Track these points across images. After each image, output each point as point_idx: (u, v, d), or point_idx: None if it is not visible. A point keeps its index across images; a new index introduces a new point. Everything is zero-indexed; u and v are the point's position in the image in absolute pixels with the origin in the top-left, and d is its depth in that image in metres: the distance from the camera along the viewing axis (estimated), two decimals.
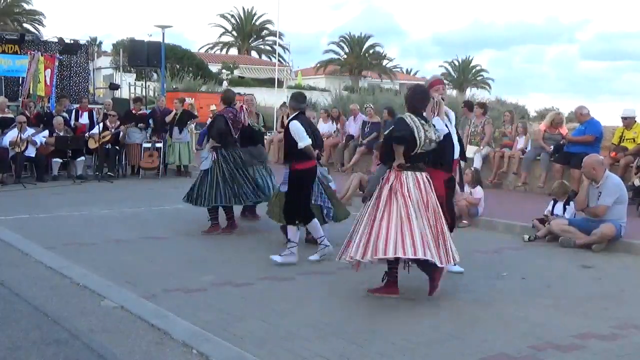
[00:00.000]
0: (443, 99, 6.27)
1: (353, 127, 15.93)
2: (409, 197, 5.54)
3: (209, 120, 12.96)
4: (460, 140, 6.77)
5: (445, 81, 54.11)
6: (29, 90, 17.06)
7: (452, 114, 6.51)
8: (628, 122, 11.20)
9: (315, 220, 7.13)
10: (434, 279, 5.64)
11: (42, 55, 17.72)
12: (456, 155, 6.51)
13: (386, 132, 6.25)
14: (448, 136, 6.21)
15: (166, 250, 7.58)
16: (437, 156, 5.94)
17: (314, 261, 6.96)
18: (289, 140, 6.94)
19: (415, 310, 5.35)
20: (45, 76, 17.53)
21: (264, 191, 8.73)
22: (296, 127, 6.82)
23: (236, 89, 32.28)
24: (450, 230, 6.01)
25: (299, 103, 7.11)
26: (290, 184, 6.98)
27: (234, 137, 8.53)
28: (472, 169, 10.42)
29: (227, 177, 8.35)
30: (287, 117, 7.47)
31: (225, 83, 36.65)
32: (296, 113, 7.03)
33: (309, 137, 6.83)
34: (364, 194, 8.06)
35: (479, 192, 9.59)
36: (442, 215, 5.69)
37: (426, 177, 5.71)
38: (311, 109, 14.60)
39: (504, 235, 8.83)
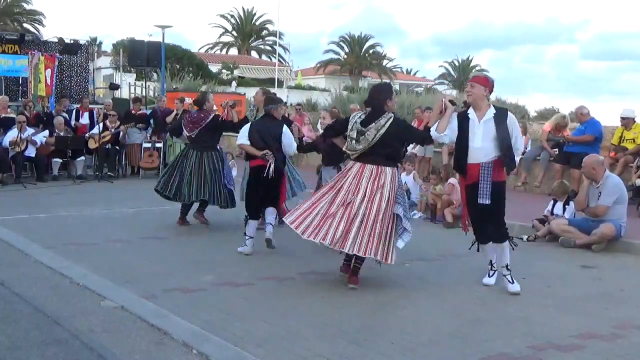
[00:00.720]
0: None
1: None
2: (342, 185, 5.92)
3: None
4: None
5: (445, 81, 53.88)
6: (32, 91, 17.07)
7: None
8: (627, 122, 11.20)
9: (252, 222, 7.45)
10: (350, 271, 6.04)
11: (42, 55, 17.74)
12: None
13: None
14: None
15: (166, 250, 7.58)
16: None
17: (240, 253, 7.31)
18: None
19: (415, 310, 5.34)
20: (45, 76, 17.55)
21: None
22: (241, 129, 7.65)
23: (236, 89, 32.38)
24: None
25: (264, 105, 7.66)
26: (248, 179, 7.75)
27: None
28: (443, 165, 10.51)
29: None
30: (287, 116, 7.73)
31: (234, 83, 36.59)
32: (262, 115, 7.78)
33: (255, 140, 7.36)
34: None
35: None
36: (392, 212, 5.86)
37: (377, 171, 5.88)
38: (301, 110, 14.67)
39: None
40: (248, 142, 7.40)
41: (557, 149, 11.89)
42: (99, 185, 13.54)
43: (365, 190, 5.83)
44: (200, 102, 8.95)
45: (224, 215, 9.29)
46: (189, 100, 17.72)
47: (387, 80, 47.41)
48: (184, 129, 8.83)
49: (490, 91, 6.14)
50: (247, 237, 7.37)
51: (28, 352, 4.26)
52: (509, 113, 6.13)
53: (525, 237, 8.44)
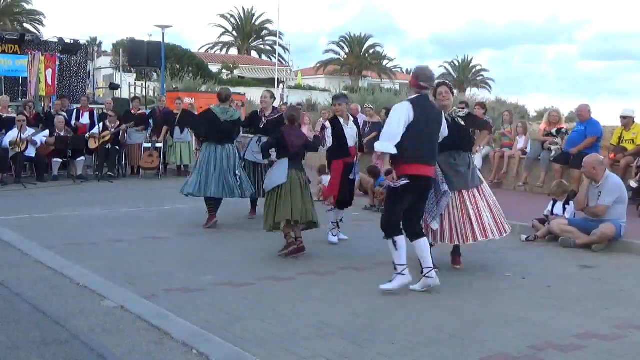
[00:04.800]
0: None
1: None
2: None
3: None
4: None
5: (445, 81, 54.23)
6: (35, 91, 17.05)
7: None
8: (627, 121, 11.21)
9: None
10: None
11: (42, 55, 17.72)
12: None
13: None
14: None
15: (166, 250, 7.57)
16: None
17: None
18: None
19: (415, 310, 5.34)
20: (46, 76, 17.53)
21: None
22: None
23: (236, 89, 32.43)
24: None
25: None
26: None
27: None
28: None
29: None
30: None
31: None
32: None
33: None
34: None
35: None
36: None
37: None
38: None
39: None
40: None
41: (557, 147, 11.88)
42: (99, 185, 13.54)
43: None
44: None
45: (224, 215, 9.29)
46: (188, 100, 17.78)
47: (387, 80, 47.57)
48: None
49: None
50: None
51: (28, 352, 4.26)
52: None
53: (525, 237, 8.44)
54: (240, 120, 9.40)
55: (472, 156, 6.81)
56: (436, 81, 6.49)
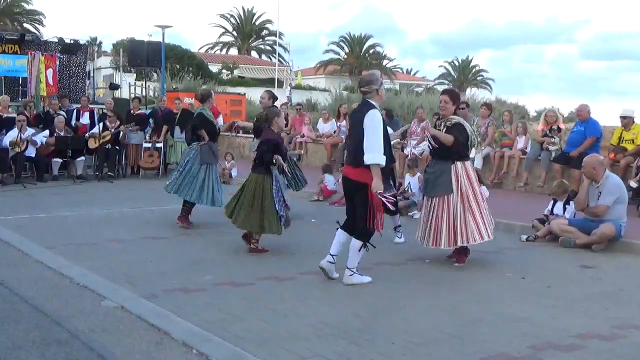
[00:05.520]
0: None
1: None
2: None
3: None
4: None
5: (445, 81, 53.88)
6: (35, 91, 17.04)
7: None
8: (627, 121, 11.21)
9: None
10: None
11: (42, 54, 17.72)
12: None
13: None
14: None
15: (166, 250, 7.57)
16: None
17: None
18: None
19: (415, 310, 5.34)
20: (47, 76, 17.53)
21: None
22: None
23: (236, 89, 32.45)
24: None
25: None
26: None
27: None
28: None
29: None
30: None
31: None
32: None
33: None
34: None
35: (484, 192, 9.56)
36: None
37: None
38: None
39: (504, 235, 8.82)
40: None
41: (554, 141, 11.88)
42: (99, 185, 13.54)
43: None
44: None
45: (223, 215, 9.28)
46: (188, 100, 17.79)
47: (387, 80, 47.53)
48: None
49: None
50: None
51: (28, 352, 4.26)
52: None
53: (525, 237, 8.44)
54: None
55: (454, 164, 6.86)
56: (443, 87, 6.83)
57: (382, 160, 5.80)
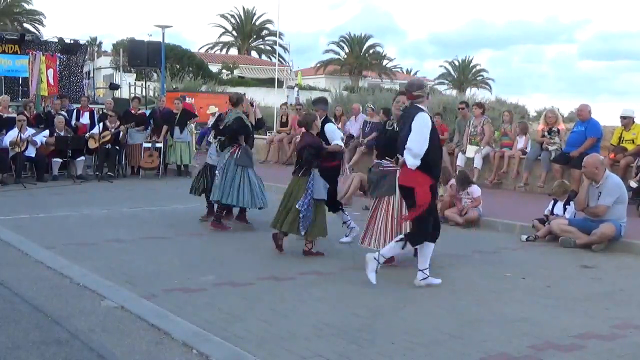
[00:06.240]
0: None
1: (354, 126, 15.94)
2: None
3: (212, 120, 12.89)
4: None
5: (445, 81, 53.79)
6: (36, 91, 17.04)
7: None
8: (627, 121, 11.22)
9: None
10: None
11: (43, 54, 17.72)
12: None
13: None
14: None
15: (166, 250, 7.57)
16: None
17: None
18: None
19: (415, 310, 5.34)
20: (47, 76, 17.53)
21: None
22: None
23: (236, 89, 32.44)
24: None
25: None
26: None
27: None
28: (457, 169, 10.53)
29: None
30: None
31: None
32: None
33: None
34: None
35: (476, 191, 9.58)
36: None
37: None
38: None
39: (504, 235, 8.83)
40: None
41: (553, 141, 11.88)
42: (99, 185, 13.54)
43: None
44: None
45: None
46: (188, 100, 17.79)
47: (387, 80, 47.59)
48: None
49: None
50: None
51: (28, 352, 4.26)
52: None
53: (525, 237, 8.44)
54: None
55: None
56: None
57: (414, 164, 5.88)
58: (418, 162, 5.87)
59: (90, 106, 16.76)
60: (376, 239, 6.80)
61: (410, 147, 5.87)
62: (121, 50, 34.92)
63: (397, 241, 6.14)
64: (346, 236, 8.09)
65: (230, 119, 8.82)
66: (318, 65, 51.30)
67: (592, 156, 8.31)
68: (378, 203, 6.89)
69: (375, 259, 6.05)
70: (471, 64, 60.62)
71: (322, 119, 7.83)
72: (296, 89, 36.46)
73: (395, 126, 6.93)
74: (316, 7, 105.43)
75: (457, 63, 60.65)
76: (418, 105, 6.13)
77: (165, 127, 14.98)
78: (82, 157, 14.42)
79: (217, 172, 8.70)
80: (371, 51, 51.18)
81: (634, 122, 11.29)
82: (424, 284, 6.09)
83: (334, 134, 7.84)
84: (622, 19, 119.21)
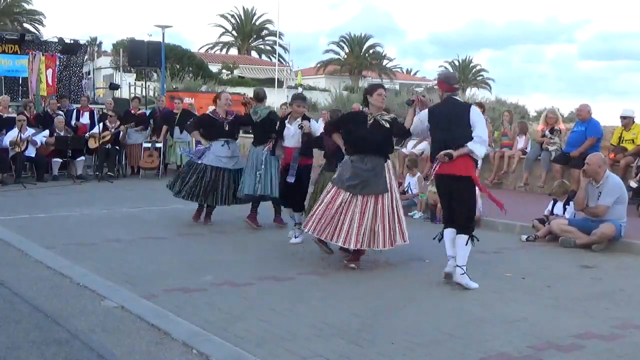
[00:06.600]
0: None
1: None
2: None
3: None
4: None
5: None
6: (36, 91, 17.05)
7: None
8: (627, 121, 11.22)
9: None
10: None
11: (43, 54, 17.72)
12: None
13: None
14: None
15: (166, 250, 7.57)
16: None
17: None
18: None
19: (415, 310, 5.34)
20: (47, 76, 17.54)
21: None
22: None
23: (236, 89, 32.44)
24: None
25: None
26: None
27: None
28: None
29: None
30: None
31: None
32: None
33: None
34: None
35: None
36: None
37: None
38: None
39: (504, 235, 8.83)
40: None
41: (553, 141, 11.88)
42: (99, 185, 13.54)
43: None
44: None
45: (224, 215, 9.30)
46: (188, 100, 17.78)
47: (387, 80, 47.57)
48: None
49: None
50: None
51: (28, 352, 4.26)
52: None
53: (525, 237, 8.44)
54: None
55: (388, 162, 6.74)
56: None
57: (483, 152, 6.18)
58: (484, 150, 6.17)
59: (90, 106, 16.76)
60: (372, 240, 6.49)
61: (483, 136, 6.07)
62: (121, 50, 34.95)
63: (464, 244, 6.04)
64: (295, 237, 8.00)
65: (264, 113, 8.77)
66: (318, 65, 51.34)
67: (595, 155, 8.30)
68: (364, 201, 6.50)
69: (459, 267, 6.01)
70: (471, 64, 60.70)
71: (301, 117, 8.06)
72: (300, 89, 36.44)
73: (382, 120, 6.66)
74: (316, 7, 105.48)
75: (457, 63, 60.71)
76: (456, 97, 6.28)
77: (165, 127, 14.98)
78: (82, 157, 14.43)
79: (249, 168, 8.62)
80: (371, 51, 51.20)
81: (634, 122, 11.29)
82: (464, 283, 6.00)
83: (318, 129, 8.18)
84: (622, 19, 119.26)
